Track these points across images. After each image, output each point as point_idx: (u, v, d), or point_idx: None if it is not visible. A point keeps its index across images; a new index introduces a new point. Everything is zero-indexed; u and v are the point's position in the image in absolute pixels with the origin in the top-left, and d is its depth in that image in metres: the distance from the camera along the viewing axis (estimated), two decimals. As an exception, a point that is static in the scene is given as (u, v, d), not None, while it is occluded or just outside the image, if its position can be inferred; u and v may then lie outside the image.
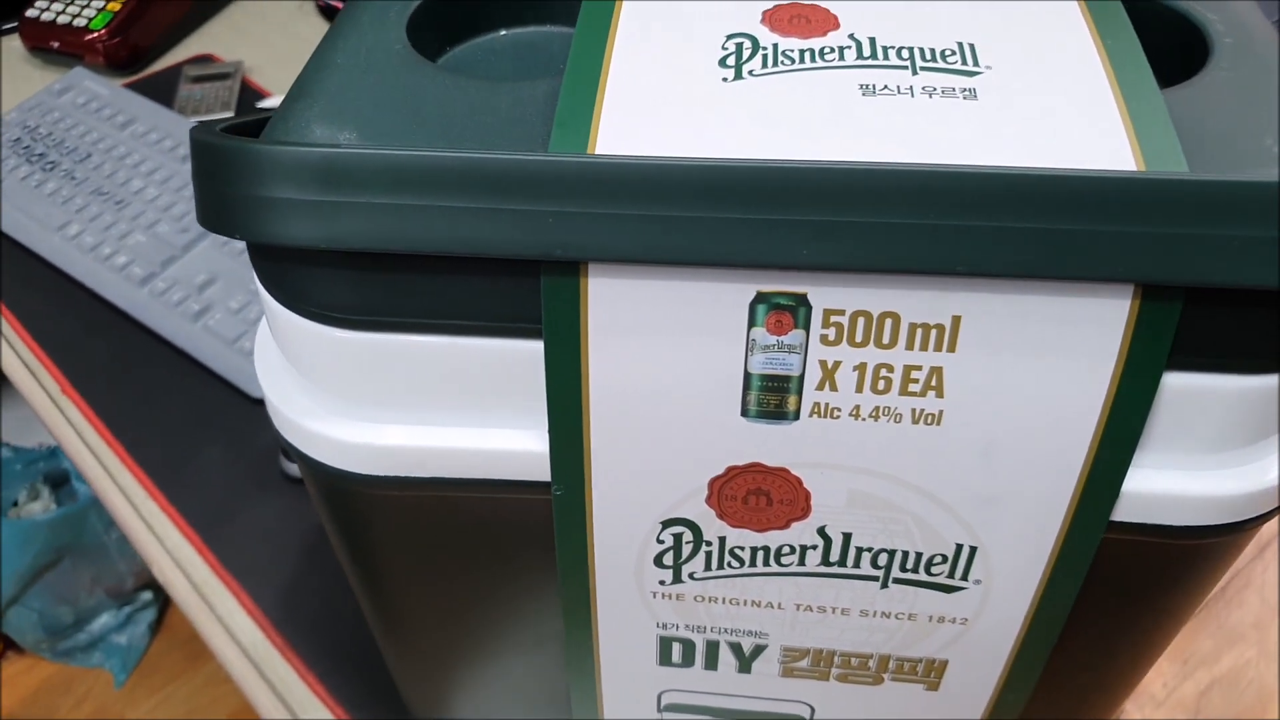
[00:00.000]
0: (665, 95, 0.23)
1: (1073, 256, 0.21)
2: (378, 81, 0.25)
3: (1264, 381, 0.23)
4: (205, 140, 0.23)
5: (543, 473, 0.26)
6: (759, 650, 0.30)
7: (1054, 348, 0.22)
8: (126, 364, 0.60)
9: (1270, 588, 0.57)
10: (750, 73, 0.24)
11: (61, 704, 1.27)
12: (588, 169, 0.21)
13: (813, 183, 0.21)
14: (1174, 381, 0.23)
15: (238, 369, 0.58)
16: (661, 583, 0.28)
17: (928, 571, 0.27)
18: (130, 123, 0.74)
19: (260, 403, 0.58)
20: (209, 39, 0.90)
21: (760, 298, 0.22)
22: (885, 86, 0.23)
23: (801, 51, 0.24)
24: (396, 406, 0.26)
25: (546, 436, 0.25)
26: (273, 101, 0.81)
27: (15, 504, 1.17)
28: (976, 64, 0.24)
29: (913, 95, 0.23)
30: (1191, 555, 0.26)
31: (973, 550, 0.26)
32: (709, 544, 0.27)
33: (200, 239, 0.65)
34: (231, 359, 0.58)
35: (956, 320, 0.22)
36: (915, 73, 0.24)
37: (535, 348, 0.24)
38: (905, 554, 0.26)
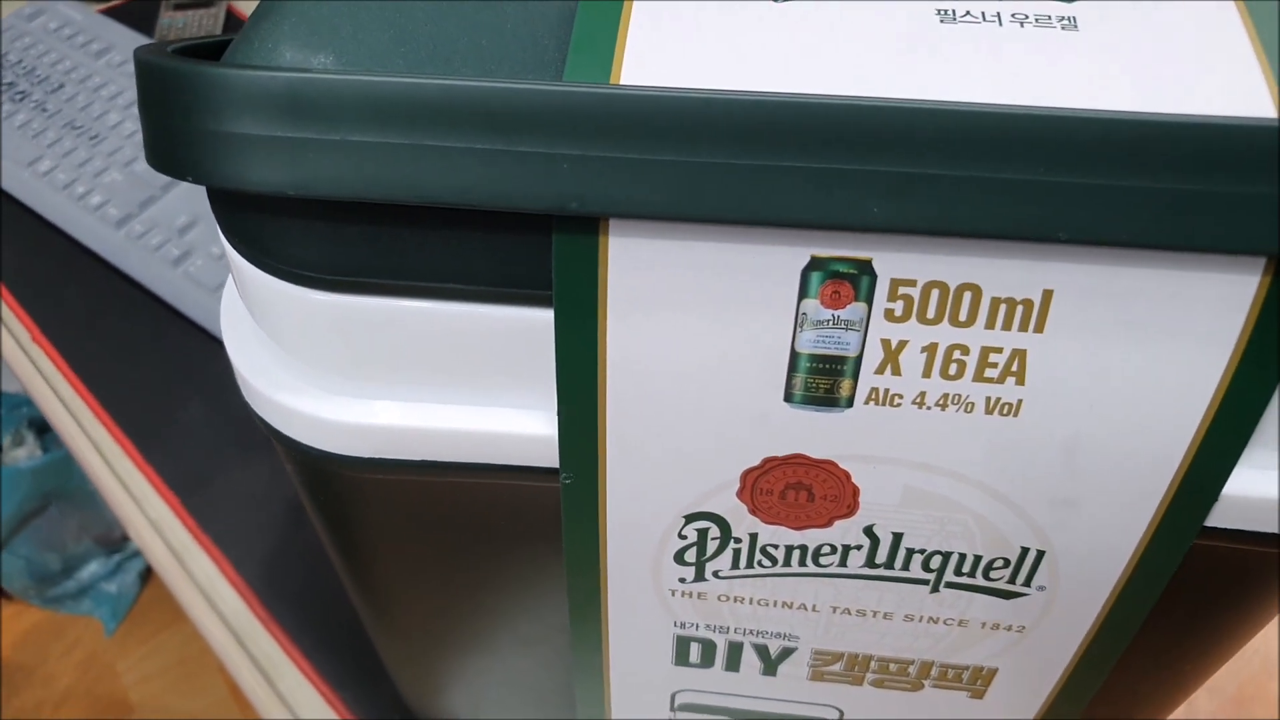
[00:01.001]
0: (704, 14, 0.19)
1: (1196, 222, 0.17)
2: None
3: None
4: (153, 62, 0.19)
5: (550, 458, 0.23)
6: (787, 653, 0.27)
7: (1162, 330, 0.19)
8: (101, 311, 0.57)
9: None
10: (804, -8, 0.20)
11: (52, 650, 1.26)
12: (610, 103, 0.17)
13: (888, 125, 0.17)
14: (1298, 371, 0.19)
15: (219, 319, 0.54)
16: (682, 580, 0.25)
17: (986, 576, 0.24)
18: (106, 51, 0.70)
19: (243, 356, 0.54)
20: (193, -36, 0.85)
21: (815, 264, 0.19)
22: (968, 12, 0.20)
23: (866, -32, 0.20)
24: (384, 381, 0.22)
25: (555, 418, 0.22)
26: (260, 32, 0.77)
27: (-1, 449, 1.14)
28: (1075, -13, 0.20)
29: (1000, 23, 0.19)
30: (1288, 564, 0.23)
31: (1040, 554, 0.23)
32: (738, 541, 0.24)
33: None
34: (214, 308, 0.55)
35: (1048, 295, 0.19)
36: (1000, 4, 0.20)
37: (544, 317, 0.20)
38: (962, 557, 0.23)
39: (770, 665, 0.28)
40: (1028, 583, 0.24)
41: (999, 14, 0.19)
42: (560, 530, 0.25)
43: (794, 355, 0.20)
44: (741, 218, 0.18)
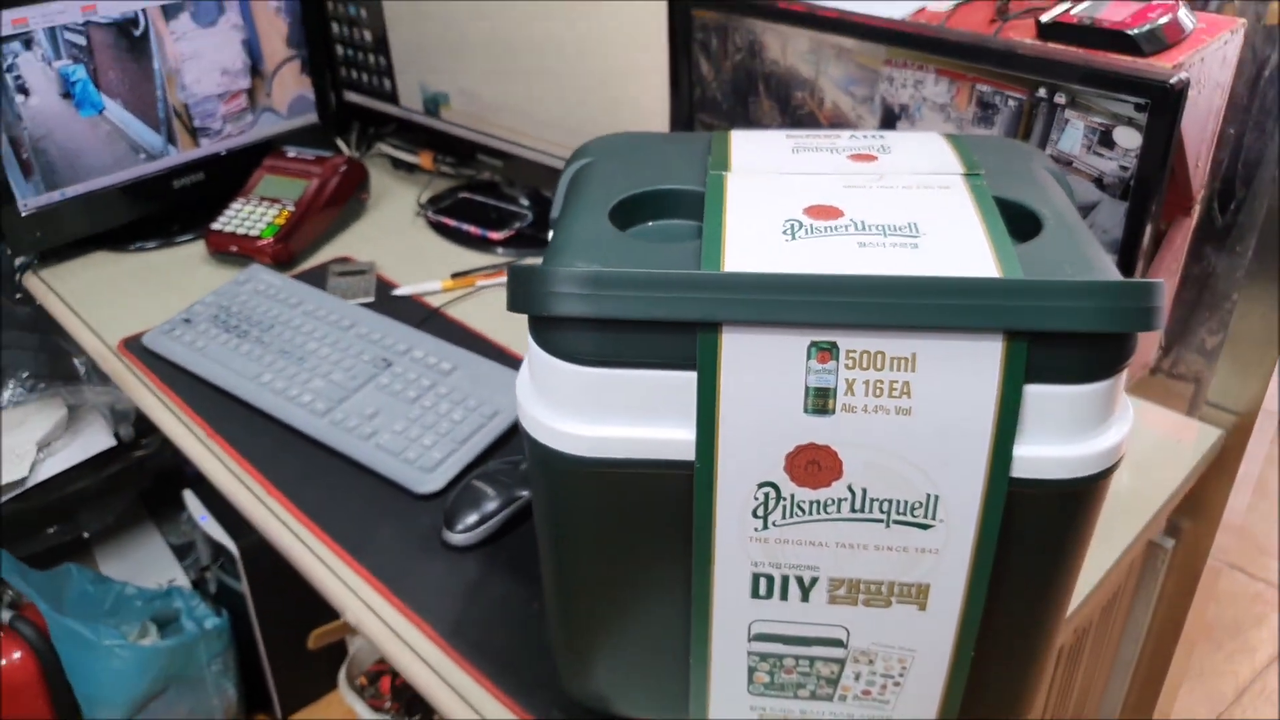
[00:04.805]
0: (757, 246, 0.45)
1: (968, 318, 0.42)
2: (600, 242, 0.47)
3: (1086, 388, 0.43)
4: (524, 269, 0.45)
5: (689, 454, 0.46)
6: (814, 582, 0.48)
7: (967, 369, 0.43)
8: (316, 473, 0.80)
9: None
10: (799, 237, 0.46)
11: (139, 843, 1.36)
12: (723, 277, 0.43)
13: (837, 285, 0.42)
14: (1032, 389, 0.43)
15: (403, 473, 0.78)
16: (756, 530, 0.47)
17: (911, 514, 0.46)
18: (300, 303, 0.98)
19: (421, 497, 0.77)
20: (345, 245, 1.15)
21: (813, 344, 0.43)
22: (873, 243, 0.45)
23: (827, 228, 0.46)
24: (604, 414, 0.46)
25: (694, 430, 0.45)
26: (404, 290, 1.05)
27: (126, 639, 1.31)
28: (918, 232, 0.46)
29: (886, 247, 0.45)
30: (1065, 499, 0.46)
31: (936, 498, 0.45)
32: (785, 499, 0.46)
33: (366, 384, 0.87)
34: (398, 466, 0.78)
35: (915, 355, 0.43)
36: (886, 235, 0.46)
37: (690, 376, 0.44)
38: (900, 502, 0.46)
39: (805, 593, 0.49)
40: (933, 517, 0.46)
41: (885, 243, 0.45)
42: (688, 506, 0.47)
43: (806, 388, 0.44)
44: (780, 323, 0.42)
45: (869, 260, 0.44)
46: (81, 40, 1.06)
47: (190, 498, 1.30)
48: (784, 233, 0.46)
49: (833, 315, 0.42)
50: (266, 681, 1.35)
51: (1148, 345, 0.85)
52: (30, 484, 1.22)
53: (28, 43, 1.02)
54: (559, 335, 0.45)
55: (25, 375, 1.21)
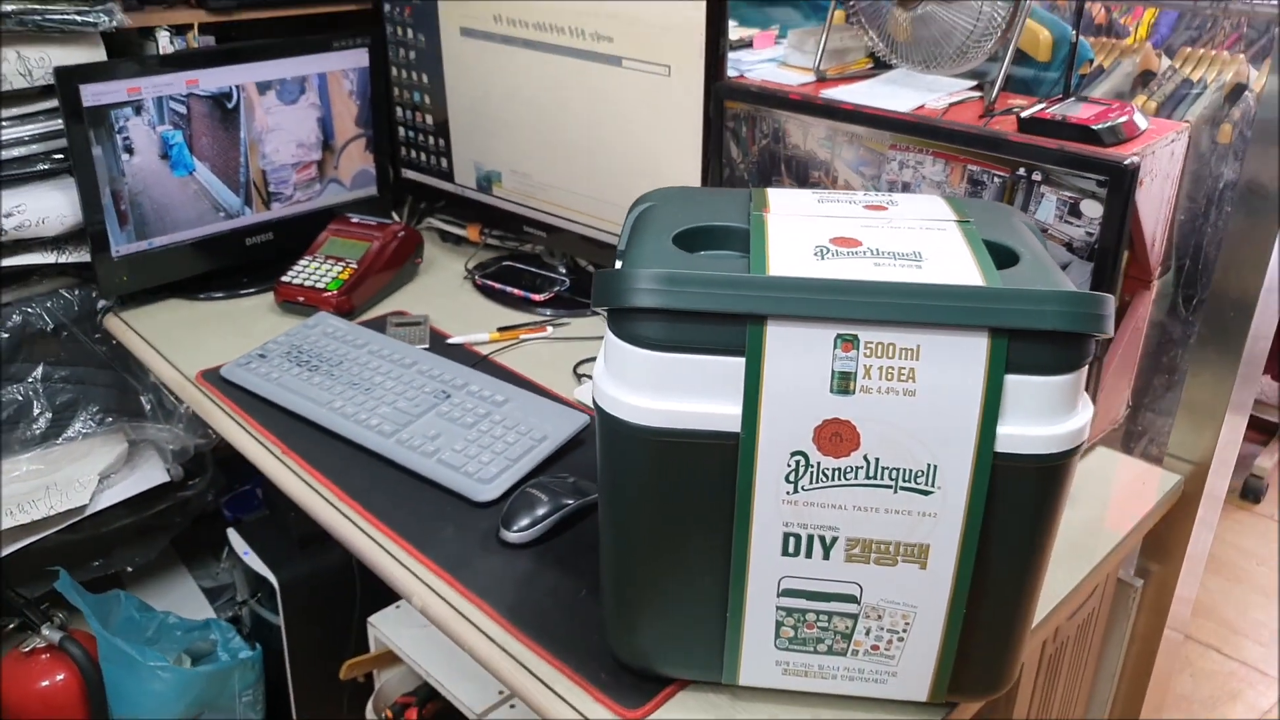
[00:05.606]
0: (794, 263, 0.57)
1: (960, 317, 0.54)
2: (668, 257, 0.59)
3: (1054, 379, 0.55)
4: (609, 272, 0.57)
5: (735, 426, 0.57)
6: (834, 541, 0.59)
7: (959, 360, 0.54)
8: (384, 484, 0.90)
9: None
10: (827, 258, 0.58)
11: None
12: (770, 280, 0.54)
13: (860, 288, 0.54)
14: (1011, 378, 0.55)
15: (463, 484, 0.88)
16: (788, 493, 0.58)
17: (914, 481, 0.57)
18: (365, 344, 1.09)
19: (479, 505, 0.87)
20: (400, 302, 1.28)
21: (839, 336, 0.55)
22: (886, 264, 0.57)
23: (849, 252, 0.59)
24: (666, 391, 0.57)
25: (741, 406, 0.56)
26: (456, 339, 1.17)
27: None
28: (921, 258, 0.58)
29: (896, 267, 0.57)
30: (1039, 473, 0.56)
31: (935, 467, 0.56)
32: (812, 466, 0.57)
33: (428, 411, 0.97)
34: (460, 479, 0.88)
35: (919, 347, 0.54)
36: (896, 259, 0.58)
37: (739, 361, 0.56)
38: (906, 470, 0.56)
39: (827, 551, 0.59)
40: (932, 484, 0.57)
41: (895, 263, 0.57)
42: (733, 472, 0.58)
43: (832, 371, 0.55)
44: (813, 318, 0.54)
45: (883, 275, 0.56)
46: (183, 109, 1.21)
47: (234, 535, 1.39)
48: (815, 255, 0.59)
49: (855, 312, 0.54)
50: (290, 718, 1.41)
51: (1115, 401, 0.97)
52: (88, 513, 1.31)
53: (138, 109, 1.17)
54: (635, 324, 0.57)
55: (95, 409, 1.31)
